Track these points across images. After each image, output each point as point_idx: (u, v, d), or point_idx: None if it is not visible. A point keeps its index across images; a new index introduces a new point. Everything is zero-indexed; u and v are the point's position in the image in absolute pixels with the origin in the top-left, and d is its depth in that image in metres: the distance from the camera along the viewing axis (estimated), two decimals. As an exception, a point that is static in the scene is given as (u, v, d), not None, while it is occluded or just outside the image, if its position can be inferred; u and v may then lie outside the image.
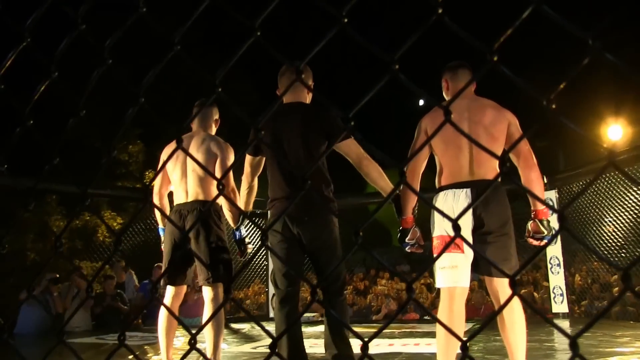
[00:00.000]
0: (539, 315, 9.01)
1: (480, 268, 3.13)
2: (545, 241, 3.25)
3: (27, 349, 5.91)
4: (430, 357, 4.69)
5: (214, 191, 3.93)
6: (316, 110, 3.55)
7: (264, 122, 3.57)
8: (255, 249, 8.47)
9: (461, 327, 3.13)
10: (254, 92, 16.96)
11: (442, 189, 3.19)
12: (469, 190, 3.07)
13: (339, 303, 3.46)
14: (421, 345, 5.38)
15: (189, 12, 1.01)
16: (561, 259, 8.27)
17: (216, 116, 4.17)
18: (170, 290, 3.97)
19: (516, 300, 3.05)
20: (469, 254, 3.06)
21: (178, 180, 3.98)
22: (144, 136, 15.19)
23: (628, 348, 4.82)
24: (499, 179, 3.08)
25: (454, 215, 3.01)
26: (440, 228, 3.14)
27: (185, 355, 1.17)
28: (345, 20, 0.86)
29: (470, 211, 3.03)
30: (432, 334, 6.04)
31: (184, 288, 4.04)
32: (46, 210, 12.93)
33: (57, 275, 8.54)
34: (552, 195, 8.31)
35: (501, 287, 3.06)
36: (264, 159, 3.65)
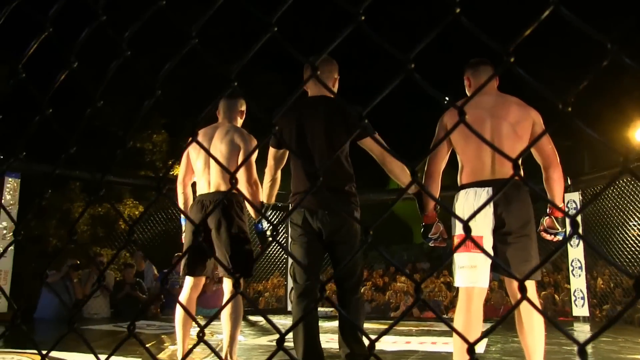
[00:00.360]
0: (559, 318, 8.94)
1: (500, 268, 3.10)
2: (559, 237, 3.20)
3: (45, 333, 5.99)
4: (446, 356, 4.67)
5: (238, 182, 3.92)
6: (341, 104, 3.53)
7: (287, 116, 3.56)
8: (276, 241, 8.53)
9: (478, 327, 3.10)
10: (281, 83, 16.97)
11: (463, 187, 3.14)
12: (490, 189, 3.03)
13: (353, 301, 3.45)
14: (438, 344, 5.35)
15: (215, 4, 1.01)
16: (583, 261, 8.17)
17: (242, 108, 4.16)
18: (189, 281, 3.97)
19: (536, 302, 3.01)
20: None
21: (201, 171, 3.98)
22: (168, 126, 15.27)
23: (649, 355, 4.75)
24: (517, 178, 3.07)
25: (478, 213, 2.98)
26: (461, 227, 3.08)
27: (193, 348, 1.16)
28: (362, 18, 0.84)
29: (491, 211, 3.00)
30: (449, 333, 6.01)
31: (203, 279, 4.03)
32: (69, 197, 13.06)
33: (78, 262, 8.62)
34: (575, 197, 8.22)
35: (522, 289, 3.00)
36: (287, 152, 3.64)
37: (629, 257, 7.75)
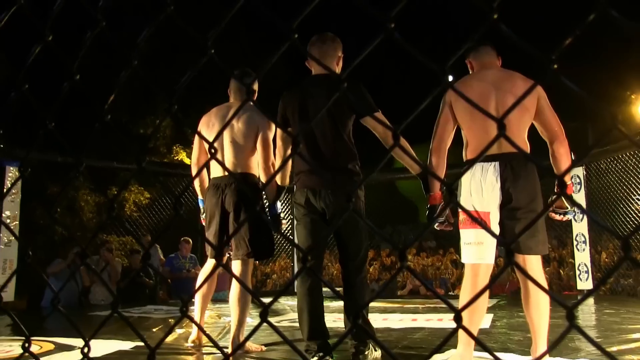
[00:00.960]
0: (564, 292, 8.97)
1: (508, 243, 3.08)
2: (568, 216, 3.20)
3: (54, 321, 6.05)
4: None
5: (253, 163, 3.92)
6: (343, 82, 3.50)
7: (291, 94, 3.58)
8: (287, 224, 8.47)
9: (484, 303, 3.13)
10: (283, 64, 16.92)
11: (469, 162, 3.13)
12: (497, 163, 3.00)
13: (358, 281, 3.47)
14: (444, 321, 5.39)
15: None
16: (587, 236, 8.19)
17: (253, 86, 4.09)
18: (210, 262, 4.02)
19: (542, 277, 3.05)
20: (495, 229, 3.00)
21: (216, 155, 3.94)
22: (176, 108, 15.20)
23: (652, 326, 4.78)
24: (524, 152, 3.05)
25: (482, 190, 3.00)
26: (467, 203, 3.07)
27: (176, 323, 1.18)
28: (392, 25, 0.83)
29: (498, 186, 2.98)
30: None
31: (224, 259, 4.02)
32: (74, 185, 13.11)
33: (84, 249, 8.65)
34: (579, 172, 8.21)
35: (527, 263, 3.01)
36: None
37: (628, 230, 7.76)
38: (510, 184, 2.99)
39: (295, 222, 3.70)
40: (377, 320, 5.46)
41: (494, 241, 3.04)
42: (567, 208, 3.14)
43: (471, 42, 3.24)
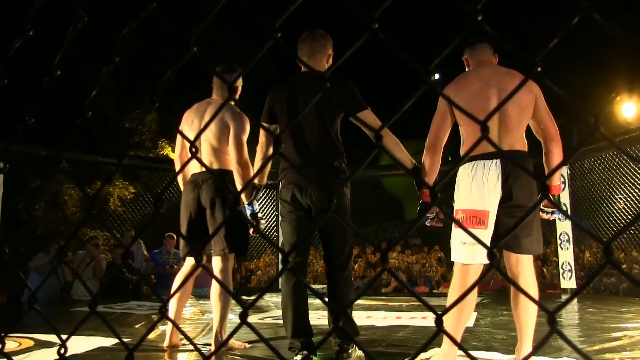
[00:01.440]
0: (547, 290, 9.04)
1: (507, 243, 3.06)
2: (555, 216, 3.21)
3: (35, 317, 5.99)
4: (435, 329, 4.70)
5: (229, 161, 3.90)
6: (333, 80, 3.50)
7: (280, 90, 3.56)
8: (267, 222, 8.43)
9: (472, 302, 3.13)
10: (272, 61, 16.87)
11: (469, 159, 3.06)
12: (498, 161, 2.97)
13: (342, 279, 3.47)
14: (428, 319, 5.39)
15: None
16: (571, 235, 8.24)
17: (237, 83, 4.03)
18: (189, 260, 3.98)
19: (532, 277, 3.04)
20: (491, 228, 2.98)
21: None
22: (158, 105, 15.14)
23: (633, 324, 4.81)
24: (522, 150, 3.03)
25: (484, 188, 2.98)
26: (467, 201, 3.05)
27: (155, 324, 1.17)
28: (376, 25, 0.82)
29: (499, 183, 2.95)
30: (440, 308, 6.03)
31: (204, 258, 3.98)
32: (58, 179, 13.02)
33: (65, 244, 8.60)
34: (563, 171, 8.26)
35: (520, 262, 3.01)
36: (279, 128, 3.63)
37: (616, 229, 7.82)
38: (511, 182, 2.96)
39: (280, 218, 3.70)
40: (361, 318, 5.46)
41: (489, 240, 2.98)
42: (563, 209, 3.15)
43: (457, 42, 3.22)
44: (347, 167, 3.53)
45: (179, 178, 4.13)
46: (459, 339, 3.07)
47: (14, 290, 8.30)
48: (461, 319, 3.01)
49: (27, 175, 11.73)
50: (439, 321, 0.81)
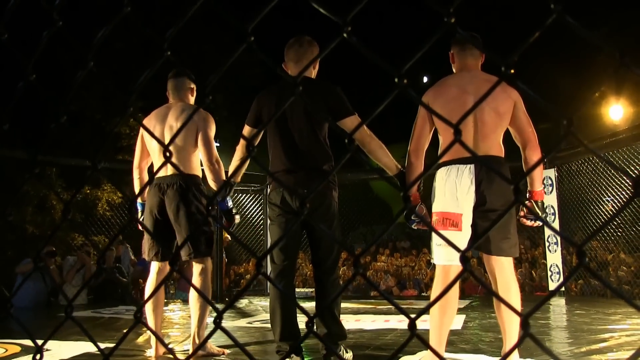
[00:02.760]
0: (535, 293, 9.06)
1: (480, 245, 3.11)
2: (538, 222, 3.26)
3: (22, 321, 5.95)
4: (424, 333, 4.63)
5: (194, 163, 3.87)
6: (321, 85, 3.55)
7: (268, 95, 3.59)
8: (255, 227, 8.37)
9: (454, 304, 3.14)
10: (259, 65, 16.85)
11: (445, 164, 3.11)
12: (472, 166, 3.01)
13: (330, 282, 3.48)
14: (417, 322, 5.38)
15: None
16: (559, 237, 8.27)
17: (190, 85, 4.05)
18: (154, 266, 3.91)
19: (513, 279, 3.06)
20: (466, 231, 3.02)
21: (157, 153, 3.89)
22: (145, 109, 15.11)
23: (619, 325, 4.84)
24: (498, 156, 3.07)
25: (457, 191, 3.01)
26: (441, 204, 3.09)
27: (130, 329, 1.16)
28: (349, 28, 0.82)
29: (472, 187, 3.00)
30: (428, 311, 6.06)
31: (167, 263, 3.90)
32: (46, 183, 12.94)
33: (54, 249, 8.55)
34: (551, 174, 8.29)
35: (498, 265, 3.04)
36: (262, 132, 3.63)
37: (603, 231, 7.86)
38: (485, 186, 3.00)
39: (269, 221, 3.70)
40: (349, 322, 5.46)
41: (465, 242, 3.03)
42: (538, 213, 3.17)
43: (428, 46, 3.23)
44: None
45: (136, 187, 4.11)
46: (443, 342, 3.09)
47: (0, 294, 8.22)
48: (444, 321, 3.04)
49: (13, 178, 11.64)
50: (412, 325, 0.81)
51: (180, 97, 4.00)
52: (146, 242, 3.94)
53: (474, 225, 3.06)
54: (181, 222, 3.74)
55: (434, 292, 3.15)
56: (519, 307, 3.02)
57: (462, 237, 3.02)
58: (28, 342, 4.09)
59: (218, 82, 4.09)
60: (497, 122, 3.07)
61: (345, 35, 0.82)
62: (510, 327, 3.02)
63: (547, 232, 8.40)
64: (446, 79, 3.27)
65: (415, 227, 3.36)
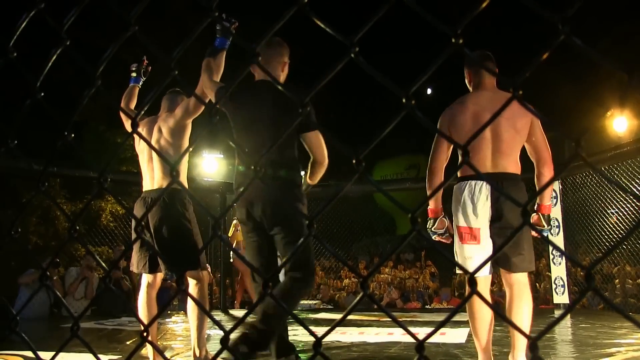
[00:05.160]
0: (540, 306, 9.02)
1: (498, 260, 3.15)
2: (544, 234, 3.33)
3: (25, 333, 5.94)
4: (428, 346, 4.65)
5: (181, 177, 3.84)
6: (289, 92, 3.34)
7: (232, 99, 3.41)
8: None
9: (488, 312, 3.16)
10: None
11: (462, 179, 3.22)
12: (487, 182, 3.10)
13: (290, 283, 3.18)
14: (421, 335, 5.28)
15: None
16: (563, 249, 8.24)
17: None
18: (145, 279, 3.89)
19: (527, 291, 3.15)
20: (485, 244, 3.11)
21: (145, 165, 3.88)
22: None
23: (626, 340, 4.81)
24: (519, 173, 3.16)
25: (473, 206, 3.07)
26: (460, 218, 3.18)
27: (136, 349, 1.15)
28: (357, 49, 0.82)
29: (488, 203, 3.09)
30: (433, 324, 6.04)
31: (159, 276, 3.92)
32: (49, 194, 12.96)
33: (57, 260, 8.56)
34: (555, 187, 8.27)
35: (513, 279, 3.14)
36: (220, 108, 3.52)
37: (608, 243, 7.83)
38: (501, 202, 3.08)
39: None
40: (353, 334, 5.44)
41: (485, 254, 3.10)
42: (544, 226, 3.22)
43: (436, 66, 3.26)
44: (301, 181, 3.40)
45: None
46: (485, 346, 3.21)
47: (2, 305, 8.21)
48: (479, 331, 3.15)
49: (17, 189, 11.67)
50: (419, 347, 0.80)
51: (171, 110, 3.96)
52: (135, 254, 3.89)
53: (492, 239, 3.14)
54: (164, 236, 3.69)
55: (468, 304, 3.22)
56: (530, 320, 3.12)
57: (482, 249, 3.11)
58: (30, 354, 4.07)
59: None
60: (515, 138, 3.16)
61: (352, 55, 0.82)
62: (520, 339, 3.10)
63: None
64: (465, 99, 3.35)
65: (437, 239, 3.39)
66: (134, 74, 4.20)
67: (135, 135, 3.81)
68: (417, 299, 11.16)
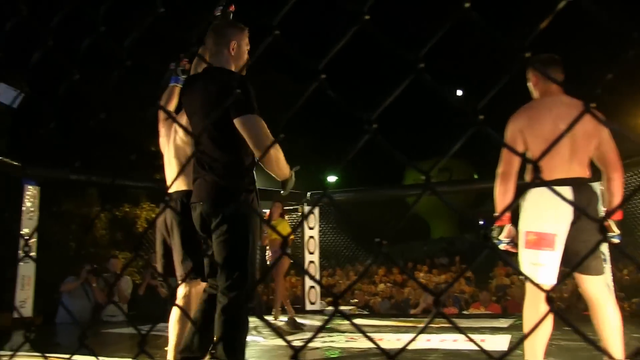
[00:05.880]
0: (583, 312, 8.81)
1: (572, 264, 3.13)
2: (615, 240, 3.25)
3: (66, 337, 6.01)
4: (468, 354, 4.58)
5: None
6: (222, 77, 3.01)
7: (189, 88, 3.20)
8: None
9: (548, 322, 3.13)
10: (291, 82, 16.88)
11: (539, 184, 3.14)
12: (569, 188, 3.09)
13: (224, 306, 2.84)
14: (459, 342, 5.27)
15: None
16: (607, 253, 8.03)
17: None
18: (182, 288, 3.67)
19: (606, 296, 3.15)
20: (559, 251, 3.09)
21: (166, 168, 3.84)
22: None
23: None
24: (589, 178, 3.15)
25: (557, 210, 3.08)
26: (536, 223, 3.14)
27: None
28: (367, 17, 0.80)
29: (570, 209, 3.06)
30: (471, 330, 5.94)
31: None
32: (87, 202, 13.14)
33: (95, 266, 8.70)
34: (597, 188, 8.09)
35: (587, 283, 3.13)
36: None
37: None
38: (584, 207, 3.10)
39: None
40: (390, 341, 5.38)
41: (557, 261, 3.10)
42: (615, 232, 3.20)
43: (502, 82, 3.26)
44: (251, 180, 3.03)
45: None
46: (540, 356, 3.14)
47: (48, 311, 8.40)
48: (538, 343, 3.10)
49: (58, 198, 11.86)
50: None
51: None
52: (159, 259, 3.83)
53: (566, 244, 3.11)
54: (175, 240, 3.61)
55: (527, 311, 3.17)
56: (618, 322, 3.10)
57: (555, 256, 3.09)
58: (77, 357, 4.11)
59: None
60: (588, 144, 3.17)
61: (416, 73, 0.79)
62: (613, 343, 3.06)
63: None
64: (534, 105, 3.35)
65: (503, 248, 3.36)
66: (175, 74, 4.11)
67: (161, 137, 3.83)
68: (453, 304, 11.01)
